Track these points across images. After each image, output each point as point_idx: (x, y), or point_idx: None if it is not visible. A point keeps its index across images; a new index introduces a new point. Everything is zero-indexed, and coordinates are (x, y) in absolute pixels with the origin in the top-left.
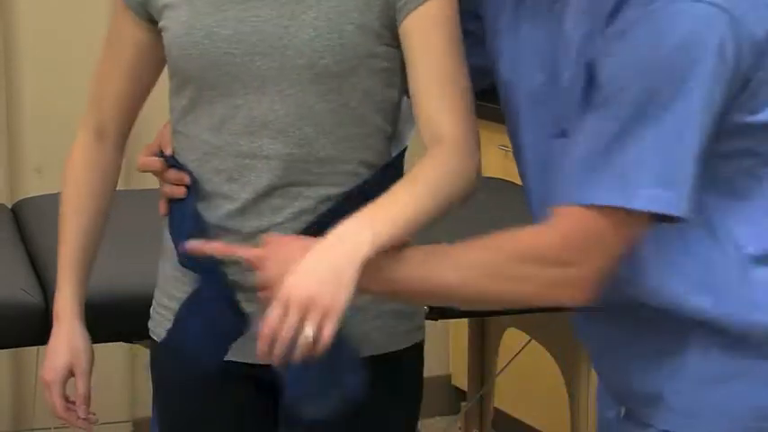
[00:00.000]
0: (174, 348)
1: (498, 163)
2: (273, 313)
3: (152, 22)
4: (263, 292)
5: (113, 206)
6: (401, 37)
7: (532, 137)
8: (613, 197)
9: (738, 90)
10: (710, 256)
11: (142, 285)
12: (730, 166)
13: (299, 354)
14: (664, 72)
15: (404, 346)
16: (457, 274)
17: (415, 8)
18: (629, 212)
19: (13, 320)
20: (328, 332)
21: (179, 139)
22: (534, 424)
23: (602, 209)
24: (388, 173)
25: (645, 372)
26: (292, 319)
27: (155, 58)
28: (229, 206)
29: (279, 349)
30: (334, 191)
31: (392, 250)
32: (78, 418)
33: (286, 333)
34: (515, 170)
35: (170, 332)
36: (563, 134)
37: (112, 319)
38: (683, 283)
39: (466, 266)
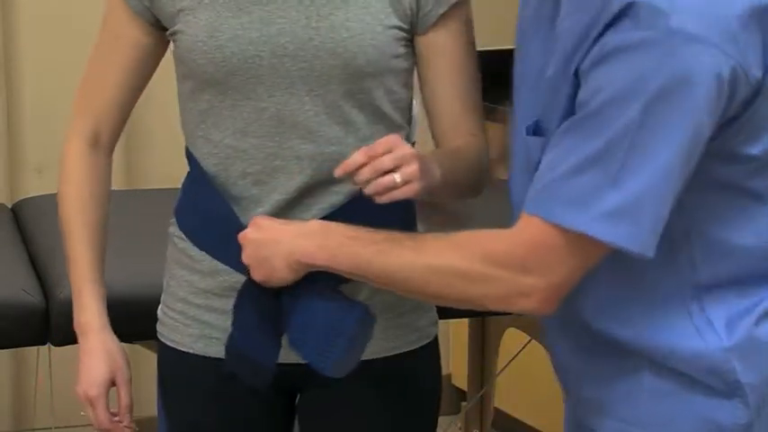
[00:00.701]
0: (181, 351)
1: None
2: (375, 147)
3: (157, 26)
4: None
5: (113, 206)
6: (425, 44)
7: (521, 134)
8: (574, 220)
9: (724, 125)
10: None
11: (142, 286)
12: (723, 200)
13: (373, 188)
14: (652, 103)
15: (423, 343)
16: (421, 270)
17: (440, 17)
18: (591, 238)
19: (13, 320)
20: (411, 189)
21: (198, 143)
22: (534, 424)
23: (563, 228)
24: None
25: (594, 381)
26: (389, 159)
27: (152, 63)
28: (260, 209)
29: (364, 174)
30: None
31: (362, 230)
32: (123, 427)
33: (378, 165)
34: None
35: (231, 339)
36: (536, 127)
37: (113, 319)
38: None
39: (431, 263)
